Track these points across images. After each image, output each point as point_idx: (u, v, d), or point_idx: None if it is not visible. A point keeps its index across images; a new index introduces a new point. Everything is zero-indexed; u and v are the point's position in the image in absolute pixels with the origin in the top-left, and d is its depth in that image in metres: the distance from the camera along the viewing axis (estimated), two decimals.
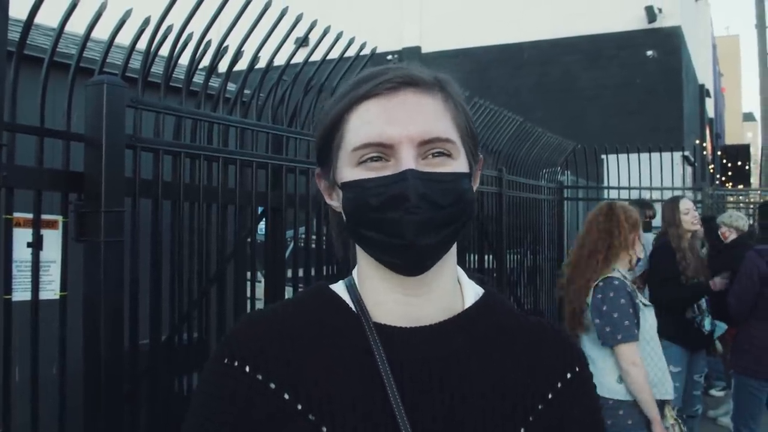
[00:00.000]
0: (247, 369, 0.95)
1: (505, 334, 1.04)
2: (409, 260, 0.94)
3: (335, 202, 1.03)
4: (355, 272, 1.06)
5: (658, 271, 4.99)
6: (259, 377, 0.95)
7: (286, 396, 0.94)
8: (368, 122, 0.94)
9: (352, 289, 1.04)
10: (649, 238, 5.82)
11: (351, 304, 1.02)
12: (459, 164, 0.96)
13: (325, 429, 0.91)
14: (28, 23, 2.26)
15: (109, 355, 2.30)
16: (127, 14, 2.41)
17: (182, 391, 2.75)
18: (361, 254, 1.03)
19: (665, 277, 4.86)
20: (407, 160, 0.91)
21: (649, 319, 3.26)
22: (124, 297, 2.41)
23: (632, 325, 3.14)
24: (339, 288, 1.06)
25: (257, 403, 0.94)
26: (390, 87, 0.94)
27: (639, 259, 3.40)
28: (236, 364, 0.96)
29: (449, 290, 1.03)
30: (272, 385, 0.94)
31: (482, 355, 1.00)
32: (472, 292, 1.06)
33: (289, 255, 3.75)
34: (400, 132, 0.92)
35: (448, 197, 0.93)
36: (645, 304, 3.29)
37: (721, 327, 4.93)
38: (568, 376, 1.04)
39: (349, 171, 0.95)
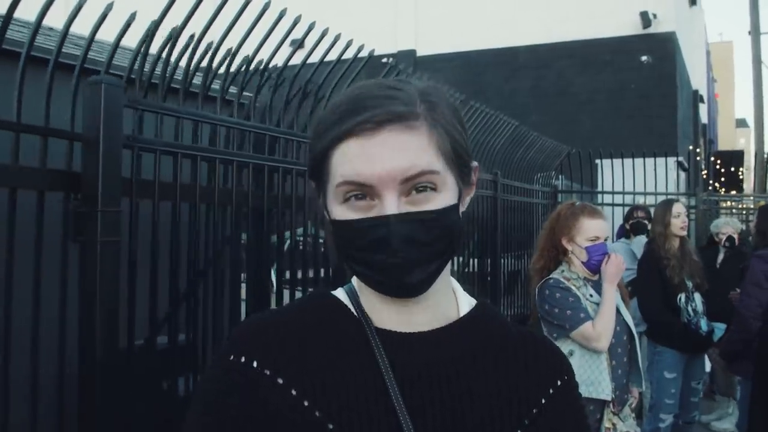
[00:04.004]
0: (255, 364, 0.96)
1: (499, 342, 1.07)
2: (399, 293, 0.97)
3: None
4: (354, 279, 1.08)
5: (640, 283, 5.05)
6: (267, 372, 0.96)
7: (294, 392, 0.95)
8: (348, 161, 0.93)
9: (352, 294, 1.05)
10: (644, 241, 5.83)
11: (352, 309, 1.03)
12: (444, 197, 0.95)
13: (331, 426, 0.92)
14: (7, 18, 2.23)
15: (105, 356, 2.30)
16: (109, 7, 2.40)
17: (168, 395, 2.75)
18: None
19: (645, 291, 4.91)
20: (389, 202, 0.92)
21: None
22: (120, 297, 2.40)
23: (575, 311, 3.22)
24: (340, 293, 1.07)
25: (265, 397, 0.95)
26: (370, 128, 0.92)
27: (595, 263, 3.37)
28: (243, 360, 0.97)
29: (443, 299, 1.05)
30: (280, 381, 0.95)
31: (480, 360, 1.03)
32: (467, 303, 1.10)
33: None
34: (379, 173, 0.91)
35: (433, 233, 0.93)
36: (597, 303, 3.31)
37: (720, 328, 4.92)
38: (559, 383, 1.09)
39: (336, 207, 0.96)
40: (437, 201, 0.94)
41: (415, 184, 0.93)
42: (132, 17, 2.46)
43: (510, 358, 1.06)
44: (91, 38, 2.48)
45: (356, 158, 0.92)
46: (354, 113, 0.93)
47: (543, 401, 1.04)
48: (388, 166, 0.91)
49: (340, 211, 0.95)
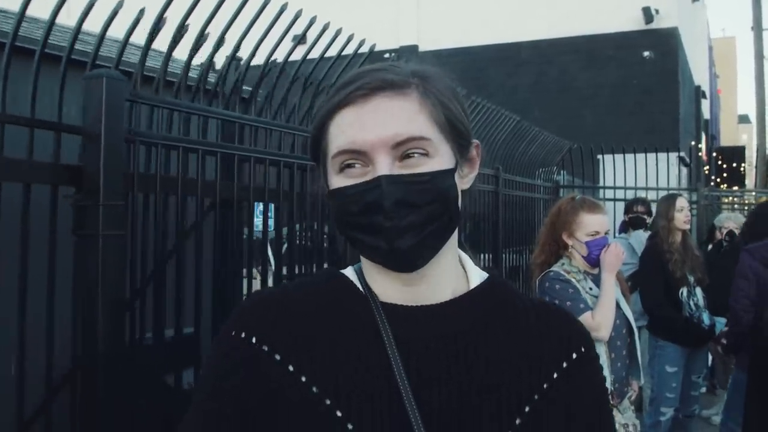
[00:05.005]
0: (254, 340, 0.99)
1: (510, 315, 1.06)
2: (396, 262, 0.97)
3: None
4: (361, 260, 1.09)
5: (642, 276, 5.06)
6: (265, 348, 0.98)
7: (291, 368, 0.97)
8: (343, 131, 0.96)
9: (360, 272, 1.06)
10: (642, 236, 5.85)
11: (359, 286, 1.04)
12: (438, 162, 0.97)
13: (328, 402, 0.94)
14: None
15: (107, 351, 2.31)
16: (119, 4, 2.41)
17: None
18: None
19: (647, 285, 4.92)
20: (381, 165, 0.93)
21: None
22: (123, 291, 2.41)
23: (575, 302, 3.23)
24: (348, 272, 1.08)
25: (267, 373, 0.97)
26: (363, 94, 0.96)
27: (595, 257, 3.38)
28: (243, 335, 0.99)
29: (450, 276, 1.05)
30: (278, 357, 0.98)
31: (488, 333, 1.02)
32: (477, 276, 1.08)
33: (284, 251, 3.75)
34: (371, 138, 0.94)
35: (426, 197, 0.94)
36: (597, 297, 3.31)
37: (721, 322, 4.94)
38: (574, 356, 1.06)
39: (333, 178, 0.99)
40: (429, 166, 0.96)
41: (406, 149, 0.95)
42: (141, 13, 2.47)
43: (522, 331, 1.04)
44: (102, 35, 2.50)
45: (350, 127, 0.95)
46: (347, 86, 0.97)
47: (555, 375, 1.02)
48: (380, 131, 0.94)
49: (337, 181, 0.98)
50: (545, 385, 1.01)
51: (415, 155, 0.95)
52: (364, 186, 0.94)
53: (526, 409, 0.98)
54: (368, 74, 0.98)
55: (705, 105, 24.19)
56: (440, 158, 0.97)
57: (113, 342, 2.33)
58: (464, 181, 1.04)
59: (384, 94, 0.96)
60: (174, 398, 2.70)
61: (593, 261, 3.37)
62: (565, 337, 1.07)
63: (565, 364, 1.04)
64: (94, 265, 2.31)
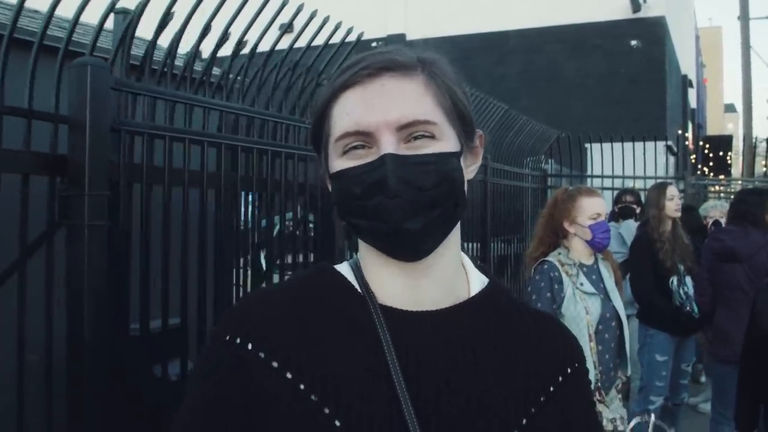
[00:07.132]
0: (250, 347, 0.93)
1: (511, 323, 1.03)
2: (400, 245, 0.93)
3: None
4: (359, 254, 1.05)
5: (632, 265, 5.08)
6: (262, 355, 0.93)
7: (289, 375, 0.92)
8: (347, 112, 0.93)
9: (357, 270, 1.02)
10: (632, 225, 5.87)
11: (356, 286, 1.00)
12: (444, 145, 0.94)
13: (327, 410, 0.89)
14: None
15: (93, 341, 2.28)
16: None
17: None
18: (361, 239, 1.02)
19: (637, 274, 4.95)
20: (386, 145, 0.91)
21: (580, 307, 3.27)
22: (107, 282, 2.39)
23: (545, 306, 3.23)
24: (344, 269, 1.04)
25: (260, 381, 0.92)
26: (368, 74, 0.93)
27: (600, 241, 3.38)
28: (238, 341, 0.94)
29: (452, 275, 1.02)
30: (275, 364, 0.92)
31: (488, 342, 0.99)
32: (478, 281, 1.06)
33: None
34: (377, 119, 0.91)
35: (432, 179, 0.92)
36: (587, 292, 3.31)
37: None
38: (569, 370, 1.05)
39: (336, 161, 0.95)
40: (435, 148, 0.93)
41: (412, 132, 0.92)
42: (140, 6, 2.45)
43: (521, 343, 1.02)
44: (75, 21, 2.46)
45: (355, 107, 0.93)
46: (352, 67, 0.95)
47: (551, 389, 1.01)
48: (386, 112, 0.91)
49: (339, 164, 0.95)
50: (542, 398, 0.99)
51: (421, 137, 0.93)
52: (368, 166, 0.91)
53: (524, 421, 0.96)
54: (374, 55, 0.96)
55: (692, 94, 24.28)
56: (446, 142, 0.95)
57: (99, 332, 2.31)
58: (468, 171, 1.01)
59: (390, 75, 0.94)
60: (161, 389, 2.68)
61: (598, 245, 3.38)
62: (561, 351, 1.06)
63: (560, 378, 1.03)
64: (79, 255, 2.28)
